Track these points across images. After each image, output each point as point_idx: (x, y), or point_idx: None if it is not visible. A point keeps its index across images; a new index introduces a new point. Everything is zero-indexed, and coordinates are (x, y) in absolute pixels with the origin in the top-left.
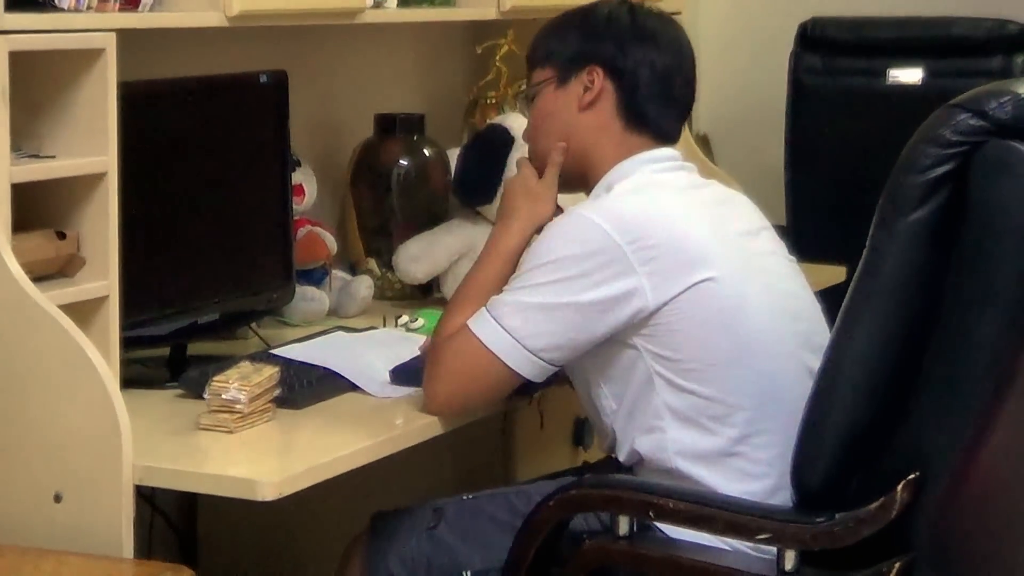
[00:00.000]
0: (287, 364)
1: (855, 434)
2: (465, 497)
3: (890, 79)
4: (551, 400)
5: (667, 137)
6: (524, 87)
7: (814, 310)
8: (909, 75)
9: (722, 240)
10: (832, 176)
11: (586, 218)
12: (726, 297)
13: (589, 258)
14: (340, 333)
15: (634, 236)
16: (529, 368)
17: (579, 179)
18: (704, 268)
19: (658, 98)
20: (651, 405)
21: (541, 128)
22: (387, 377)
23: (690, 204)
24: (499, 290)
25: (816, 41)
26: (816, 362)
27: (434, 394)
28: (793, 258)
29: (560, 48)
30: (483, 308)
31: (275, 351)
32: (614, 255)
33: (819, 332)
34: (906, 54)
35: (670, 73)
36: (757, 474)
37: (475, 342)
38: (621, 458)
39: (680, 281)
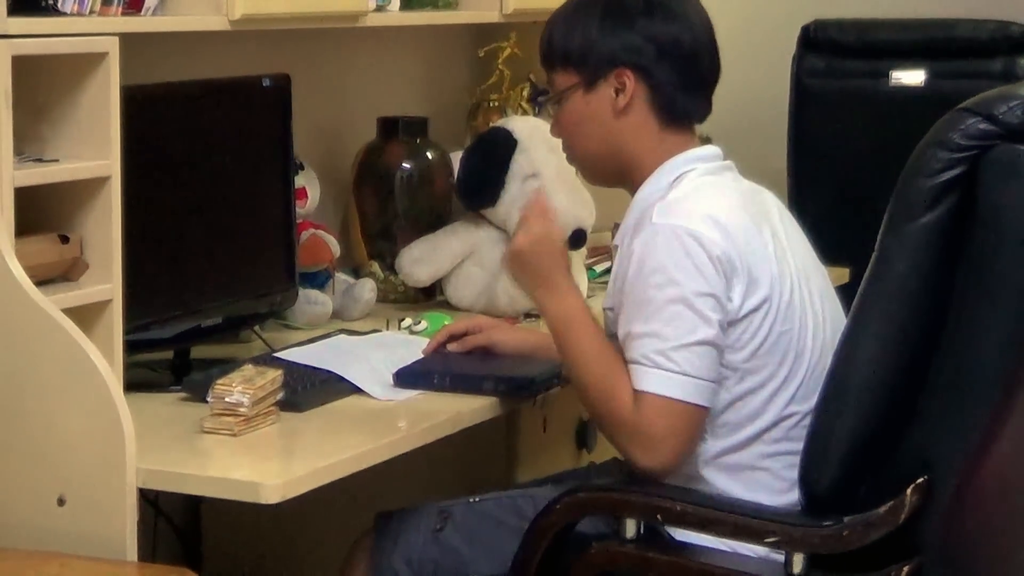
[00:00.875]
0: (290, 367)
1: (864, 438)
2: (471, 500)
3: (893, 81)
4: (553, 402)
5: (701, 121)
6: (542, 88)
7: (840, 321)
8: (912, 77)
9: (780, 258)
10: (835, 178)
11: (682, 230)
12: (781, 319)
13: (703, 271)
14: (343, 336)
15: (730, 241)
16: (713, 396)
17: (617, 177)
18: (766, 286)
19: (689, 85)
20: None
21: (576, 134)
22: (390, 380)
23: (753, 214)
24: (616, 336)
25: (819, 43)
26: None
27: (654, 462)
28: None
29: (582, 49)
30: (644, 365)
31: (278, 354)
32: (724, 262)
33: None
34: (909, 56)
35: (697, 52)
36: (781, 489)
37: (668, 401)
38: None
39: (758, 294)
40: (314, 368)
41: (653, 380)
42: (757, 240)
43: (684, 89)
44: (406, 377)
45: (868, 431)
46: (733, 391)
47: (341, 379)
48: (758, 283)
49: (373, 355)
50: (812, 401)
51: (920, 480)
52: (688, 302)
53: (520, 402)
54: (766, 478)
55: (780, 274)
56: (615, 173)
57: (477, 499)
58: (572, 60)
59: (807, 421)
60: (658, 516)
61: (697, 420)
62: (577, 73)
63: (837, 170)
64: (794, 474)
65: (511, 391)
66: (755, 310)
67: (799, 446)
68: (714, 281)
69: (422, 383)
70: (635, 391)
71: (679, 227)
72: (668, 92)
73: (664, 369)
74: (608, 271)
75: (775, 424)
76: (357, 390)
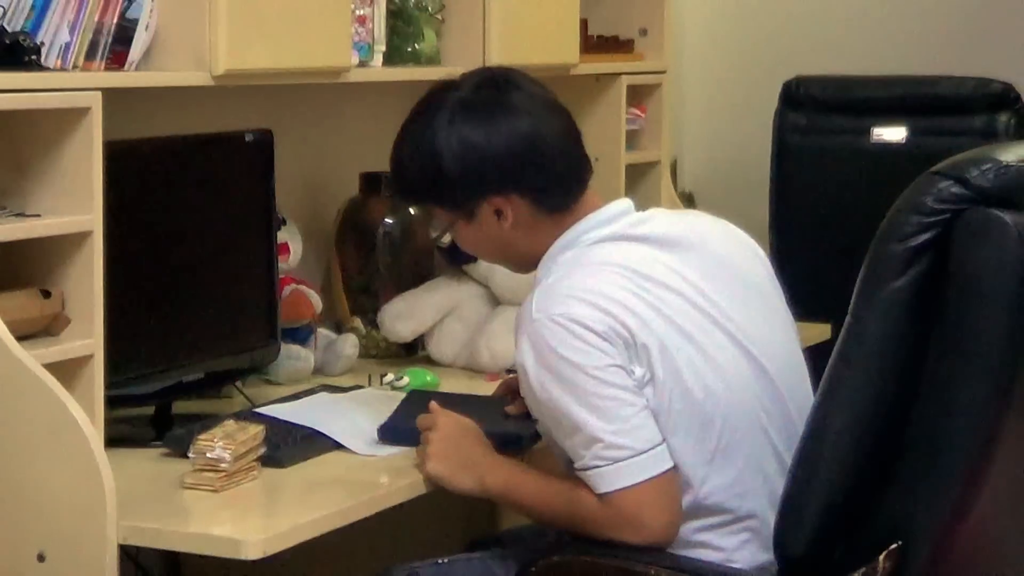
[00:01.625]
0: (272, 423)
1: (838, 503)
2: (440, 561)
3: (874, 137)
4: (533, 454)
5: (585, 187)
6: (429, 224)
7: (774, 352)
8: (893, 133)
9: (668, 318)
10: (817, 234)
11: (562, 317)
12: (680, 390)
13: (599, 347)
14: (323, 394)
15: (610, 316)
16: (668, 459)
17: (532, 266)
18: (657, 352)
19: (556, 169)
20: None
21: (481, 251)
22: (372, 435)
23: (636, 284)
24: (564, 465)
25: (800, 99)
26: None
27: (652, 539)
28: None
29: (441, 189)
30: (598, 468)
31: (260, 410)
32: (612, 335)
33: (776, 368)
34: (890, 113)
35: (543, 136)
36: (768, 546)
37: (638, 487)
38: None
39: (652, 364)
40: (295, 424)
41: (615, 477)
42: (644, 311)
43: (552, 176)
44: (390, 432)
45: (842, 496)
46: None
47: (322, 435)
48: (654, 357)
49: (354, 411)
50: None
51: (893, 546)
52: (600, 381)
53: (510, 455)
54: (749, 536)
55: (674, 333)
56: (532, 262)
57: (446, 560)
58: (442, 203)
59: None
60: None
61: (672, 483)
62: (451, 212)
63: (819, 226)
64: (730, 541)
65: (500, 447)
66: (651, 380)
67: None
68: (611, 352)
69: (406, 439)
70: (603, 493)
71: (558, 316)
72: (541, 191)
73: (619, 461)
74: None
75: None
76: (338, 446)
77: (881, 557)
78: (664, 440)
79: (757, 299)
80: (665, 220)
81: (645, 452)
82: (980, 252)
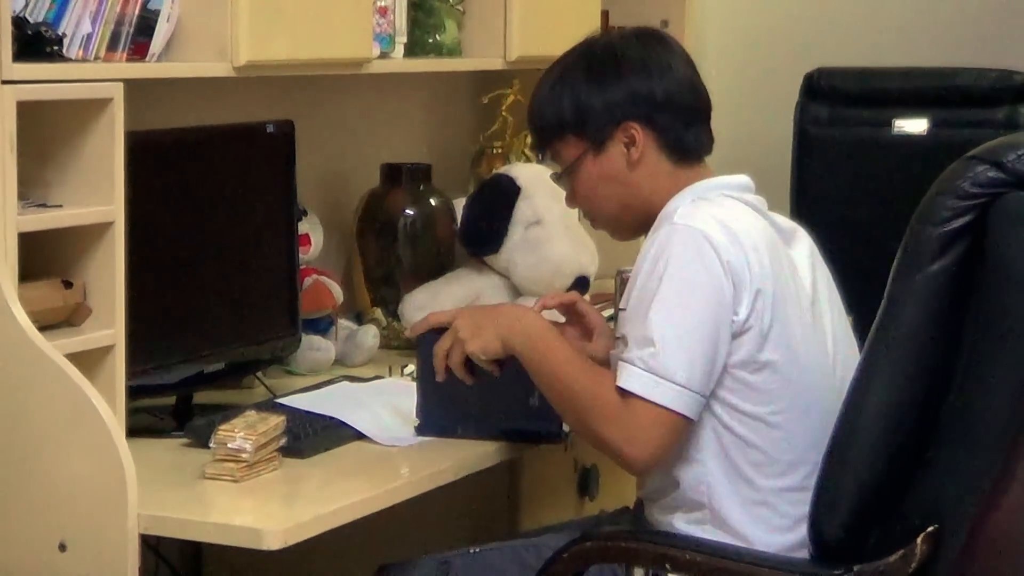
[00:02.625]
0: (293, 413)
1: (873, 487)
2: (472, 550)
3: (896, 129)
4: (557, 450)
5: (709, 152)
6: (553, 165)
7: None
8: (915, 125)
9: (787, 282)
10: (838, 226)
11: (699, 233)
12: (784, 346)
13: (714, 276)
14: (345, 383)
15: (742, 252)
16: (700, 409)
17: (646, 225)
18: (770, 307)
19: (691, 120)
20: (698, 437)
21: (596, 198)
22: (394, 425)
23: (771, 238)
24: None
25: (822, 91)
26: None
27: (635, 457)
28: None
29: (580, 115)
30: (637, 367)
31: (281, 400)
32: (735, 271)
33: None
34: (912, 104)
35: (690, 88)
36: (784, 527)
37: (657, 408)
38: (655, 484)
39: (767, 313)
40: (316, 414)
41: (645, 384)
42: (768, 259)
43: (687, 125)
44: (430, 425)
45: (878, 480)
46: (739, 424)
47: (343, 425)
48: (765, 300)
49: (376, 401)
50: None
51: (930, 529)
52: (693, 307)
53: (551, 445)
54: (769, 514)
55: (784, 298)
56: (643, 222)
57: (478, 549)
58: (572, 128)
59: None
60: (667, 565)
61: (681, 430)
62: (582, 140)
63: (840, 218)
64: (800, 511)
65: (542, 438)
66: (763, 328)
67: (809, 482)
68: (723, 288)
69: (447, 431)
70: (625, 390)
71: (695, 229)
72: (674, 132)
73: (658, 375)
74: (612, 318)
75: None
76: (359, 436)
77: (919, 540)
78: (704, 396)
79: (838, 305)
80: (775, 214)
81: (684, 388)
82: (1017, 236)
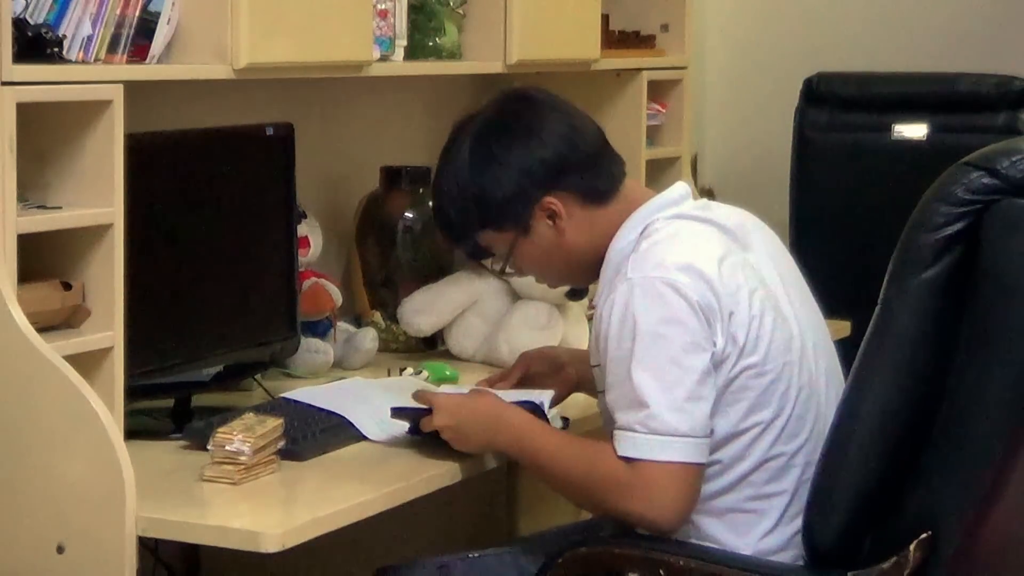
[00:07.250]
0: (295, 408)
1: (867, 493)
2: (471, 555)
3: (895, 134)
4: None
5: (624, 177)
6: (488, 261)
7: (830, 354)
8: (914, 131)
9: (753, 292)
10: (837, 231)
11: (659, 280)
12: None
13: (686, 321)
14: (358, 378)
15: (707, 285)
16: (707, 451)
17: (597, 267)
18: (744, 327)
19: (592, 163)
20: None
21: (543, 268)
22: (390, 423)
23: (726, 255)
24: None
25: (821, 96)
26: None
27: (661, 519)
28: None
29: (490, 211)
30: (637, 432)
31: (287, 394)
32: (704, 308)
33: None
34: (911, 110)
35: (573, 134)
36: (767, 530)
37: (667, 465)
38: None
39: (739, 336)
40: (318, 409)
41: (653, 447)
42: (732, 281)
43: (592, 168)
44: (399, 411)
45: (871, 486)
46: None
47: (342, 426)
48: (738, 324)
49: (381, 398)
50: (798, 440)
51: (924, 535)
52: (673, 357)
53: None
54: (753, 519)
55: (760, 312)
56: (595, 265)
57: (477, 554)
58: (491, 225)
59: (795, 461)
60: (660, 571)
61: (698, 477)
62: (504, 231)
63: (839, 223)
64: (780, 514)
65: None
66: (738, 351)
67: (785, 486)
68: (696, 329)
69: (412, 414)
70: (632, 457)
71: (653, 279)
72: (585, 182)
73: (661, 434)
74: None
75: (761, 465)
76: (358, 439)
77: (912, 547)
78: (707, 437)
79: (804, 291)
80: (722, 210)
81: (688, 437)
82: (1011, 243)
